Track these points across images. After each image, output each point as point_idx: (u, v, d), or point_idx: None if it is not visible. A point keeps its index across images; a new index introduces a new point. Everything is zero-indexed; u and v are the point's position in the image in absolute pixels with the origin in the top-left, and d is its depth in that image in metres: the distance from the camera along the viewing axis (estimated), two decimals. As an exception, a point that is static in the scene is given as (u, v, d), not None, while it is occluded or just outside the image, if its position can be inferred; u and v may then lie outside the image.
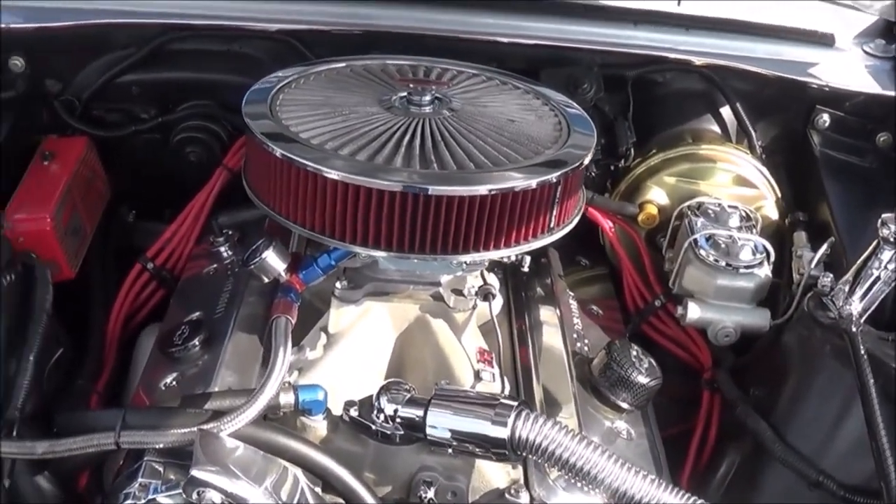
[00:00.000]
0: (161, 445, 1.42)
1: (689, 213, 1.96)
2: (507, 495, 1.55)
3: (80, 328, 1.94)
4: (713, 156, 2.07)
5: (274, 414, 1.57)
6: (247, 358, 1.68)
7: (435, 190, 1.54)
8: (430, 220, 1.56)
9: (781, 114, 2.19)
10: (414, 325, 1.75)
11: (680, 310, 1.89)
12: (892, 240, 1.67)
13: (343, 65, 1.93)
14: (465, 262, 1.69)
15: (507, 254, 1.66)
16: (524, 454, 1.45)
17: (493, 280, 1.83)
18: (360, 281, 1.74)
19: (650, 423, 1.75)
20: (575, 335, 1.86)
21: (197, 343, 1.69)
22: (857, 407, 1.57)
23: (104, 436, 1.43)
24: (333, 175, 1.55)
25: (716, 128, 2.17)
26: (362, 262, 1.73)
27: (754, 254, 1.88)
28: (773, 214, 2.08)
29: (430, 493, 1.57)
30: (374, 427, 1.53)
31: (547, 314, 1.89)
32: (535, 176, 1.61)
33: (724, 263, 1.86)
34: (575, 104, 1.87)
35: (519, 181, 1.58)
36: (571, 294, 2.00)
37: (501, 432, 1.44)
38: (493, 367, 1.71)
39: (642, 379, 1.69)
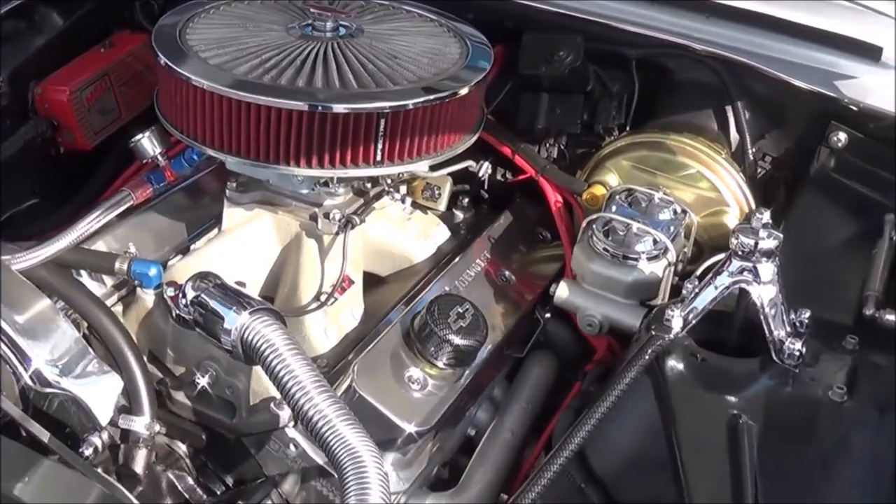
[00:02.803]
0: None
1: (616, 197, 1.86)
2: (272, 405, 1.64)
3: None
4: (677, 148, 1.93)
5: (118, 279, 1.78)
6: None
7: (259, 100, 1.62)
8: (258, 128, 1.65)
9: (798, 125, 1.98)
10: (293, 241, 1.86)
11: (553, 287, 1.81)
12: (739, 252, 1.51)
13: None
14: (302, 178, 1.79)
15: (326, 174, 1.72)
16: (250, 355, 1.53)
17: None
18: (250, 186, 1.87)
19: (465, 386, 1.73)
20: (447, 288, 1.85)
21: None
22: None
23: None
24: (184, 75, 1.67)
25: (715, 126, 2.00)
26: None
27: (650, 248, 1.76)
28: (732, 225, 1.89)
29: (204, 381, 1.69)
30: (175, 311, 1.67)
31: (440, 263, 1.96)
32: (375, 100, 1.64)
33: (606, 249, 1.76)
34: (485, 42, 1.88)
35: (342, 104, 1.62)
36: (488, 256, 1.98)
37: (230, 322, 1.52)
38: (339, 295, 1.78)
39: (451, 336, 1.67)
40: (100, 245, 1.83)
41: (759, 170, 2.00)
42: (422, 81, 1.72)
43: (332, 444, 1.40)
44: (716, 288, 1.54)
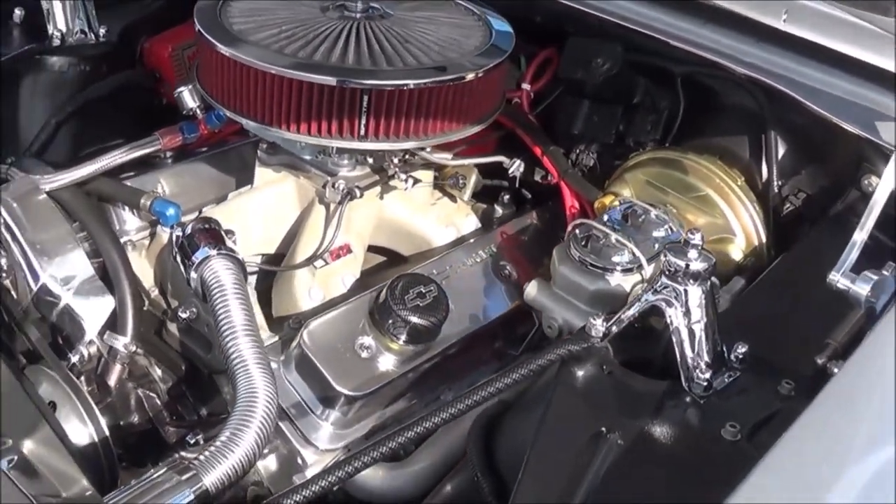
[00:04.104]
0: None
1: (616, 207, 1.85)
2: None
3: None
4: (691, 169, 1.90)
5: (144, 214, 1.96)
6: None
7: (255, 64, 1.75)
8: (256, 92, 1.78)
9: (837, 165, 1.89)
10: (309, 205, 1.98)
11: (526, 285, 1.83)
12: (666, 271, 1.49)
13: None
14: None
15: (315, 142, 1.82)
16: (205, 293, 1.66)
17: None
18: (279, 149, 2.01)
19: (426, 365, 1.79)
20: (435, 271, 1.91)
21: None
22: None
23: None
24: (207, 37, 1.82)
25: (747, 154, 1.94)
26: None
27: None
28: (735, 255, 1.86)
29: (186, 315, 1.85)
30: (174, 249, 1.82)
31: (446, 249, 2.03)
32: (360, 77, 1.73)
33: (579, 255, 1.76)
34: (510, 40, 1.92)
35: (327, 77, 1.72)
36: (493, 250, 2.01)
37: (196, 258, 1.67)
38: (332, 261, 1.89)
39: (405, 313, 1.72)
40: (151, 181, 2.02)
41: (787, 205, 1.92)
42: (418, 66, 1.79)
43: (238, 381, 1.50)
44: (640, 303, 1.52)
